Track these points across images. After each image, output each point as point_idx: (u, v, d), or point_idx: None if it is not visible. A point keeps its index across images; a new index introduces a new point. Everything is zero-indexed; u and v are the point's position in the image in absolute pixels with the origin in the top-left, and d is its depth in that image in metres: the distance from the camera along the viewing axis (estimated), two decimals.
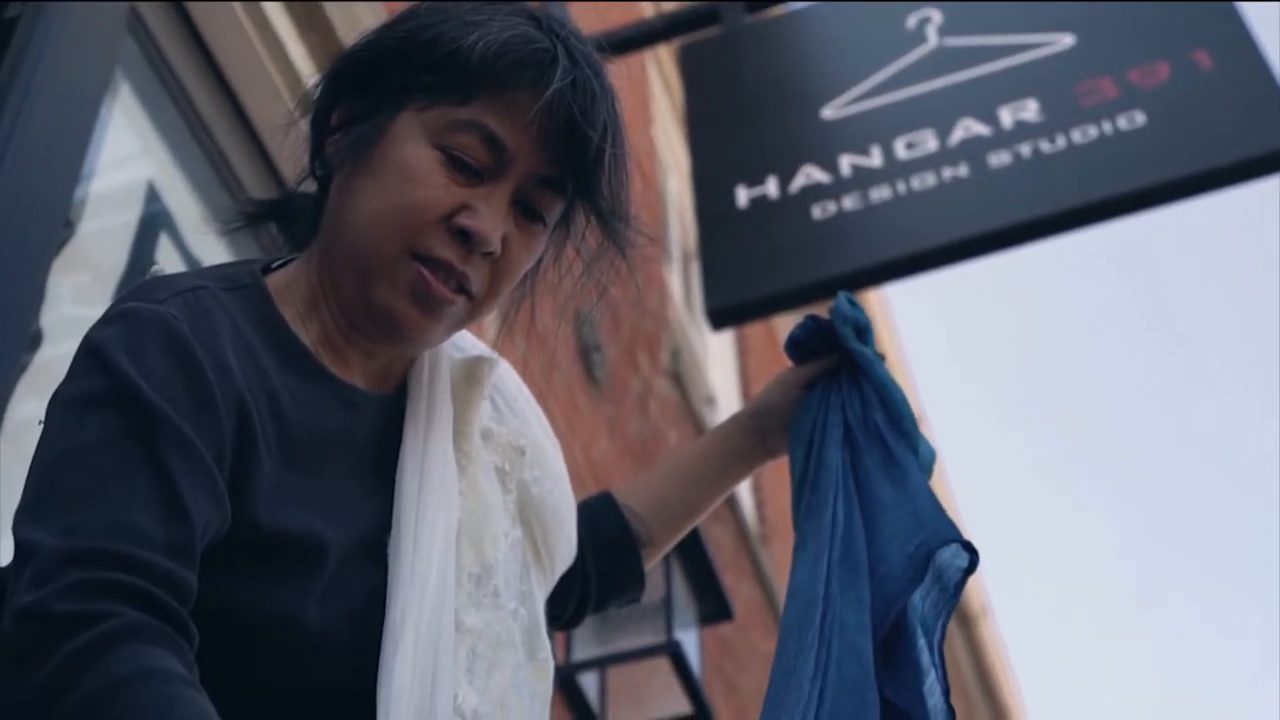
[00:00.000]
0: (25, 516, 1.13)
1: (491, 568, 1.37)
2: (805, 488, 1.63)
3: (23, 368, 2.22)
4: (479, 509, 1.39)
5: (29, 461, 1.20)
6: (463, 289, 1.34)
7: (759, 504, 8.05)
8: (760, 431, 1.75)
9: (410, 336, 1.35)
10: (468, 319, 1.39)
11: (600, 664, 4.18)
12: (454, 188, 1.33)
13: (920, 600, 1.50)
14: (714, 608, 4.47)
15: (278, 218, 1.52)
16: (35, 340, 2.32)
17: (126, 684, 1.02)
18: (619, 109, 1.40)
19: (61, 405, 1.20)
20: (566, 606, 1.65)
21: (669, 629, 4.12)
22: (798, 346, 1.76)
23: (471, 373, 1.46)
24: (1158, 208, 3.61)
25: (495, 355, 1.53)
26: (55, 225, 2.36)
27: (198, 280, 1.31)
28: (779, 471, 8.57)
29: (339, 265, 1.36)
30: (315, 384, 1.34)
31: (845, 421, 1.66)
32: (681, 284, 7.75)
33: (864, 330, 1.72)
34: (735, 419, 1.77)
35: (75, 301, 2.61)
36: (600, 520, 1.67)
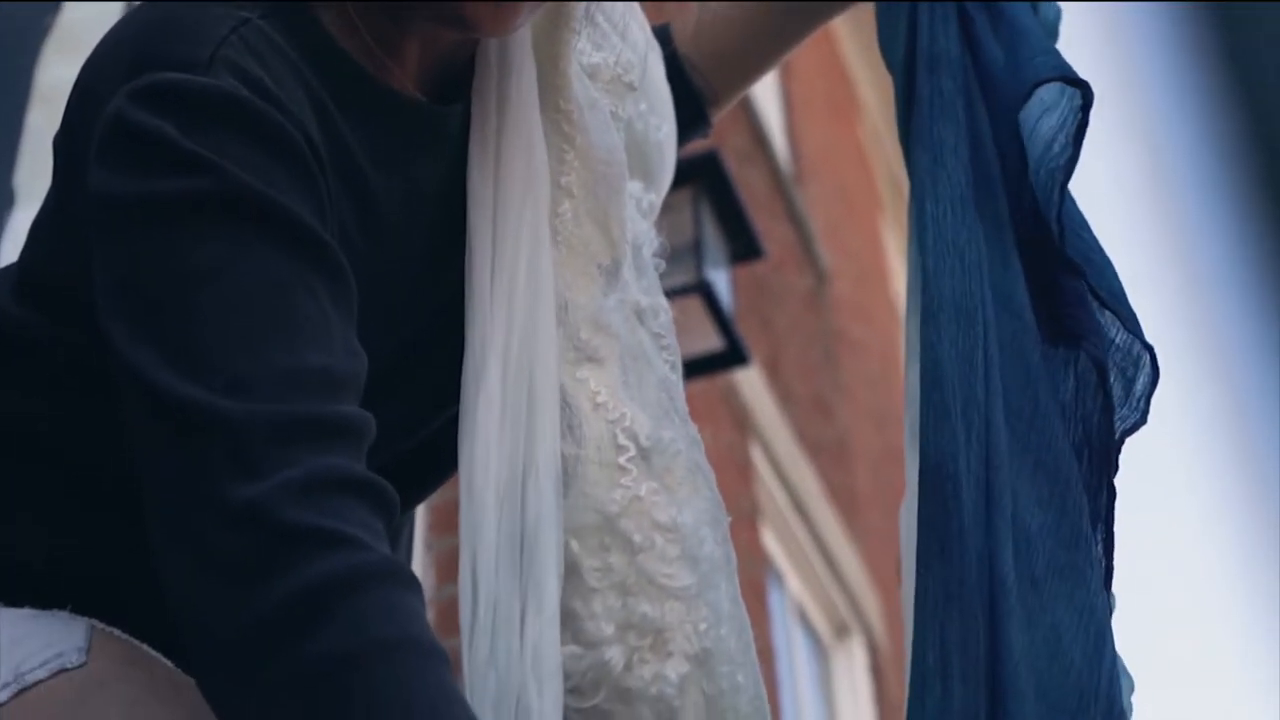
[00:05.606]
0: (159, 360, 0.88)
1: (620, 261, 1.13)
2: (919, 70, 1.26)
3: (45, 29, 2.23)
4: (598, 185, 1.13)
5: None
6: None
7: (793, 143, 8.03)
8: None
9: (487, 32, 1.05)
10: None
11: None
12: None
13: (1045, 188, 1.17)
14: (744, 246, 4.54)
15: None
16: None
17: (378, 649, 0.83)
18: None
19: (141, 206, 0.92)
20: None
21: (699, 269, 4.19)
22: None
23: (557, 6, 1.15)
24: None
25: None
26: None
27: (233, 11, 0.99)
28: (811, 108, 8.52)
29: None
30: (397, 126, 1.07)
31: None
32: None
33: None
34: None
35: None
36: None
